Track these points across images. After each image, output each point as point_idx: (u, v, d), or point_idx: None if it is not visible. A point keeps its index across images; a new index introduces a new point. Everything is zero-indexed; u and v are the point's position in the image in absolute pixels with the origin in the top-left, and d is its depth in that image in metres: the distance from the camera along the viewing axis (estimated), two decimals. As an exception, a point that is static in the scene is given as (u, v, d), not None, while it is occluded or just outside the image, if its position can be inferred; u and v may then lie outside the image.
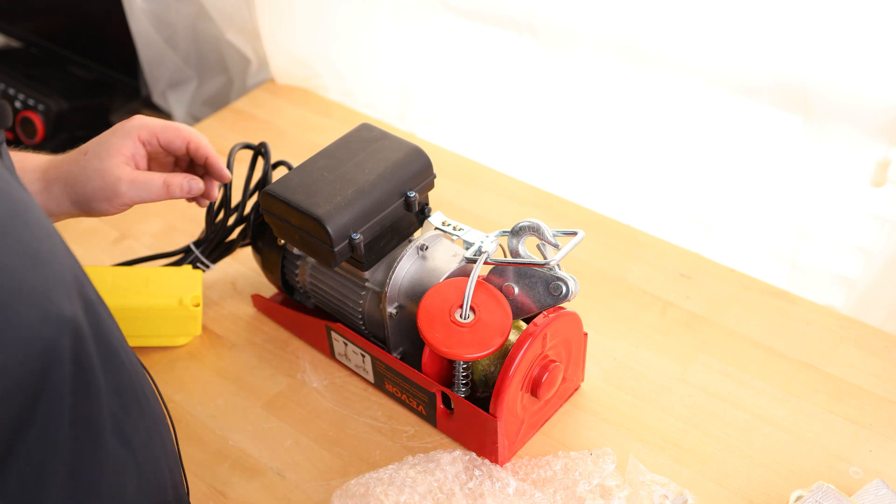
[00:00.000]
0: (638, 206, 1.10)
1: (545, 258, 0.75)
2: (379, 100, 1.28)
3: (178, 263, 0.96)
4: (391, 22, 1.20)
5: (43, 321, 0.44)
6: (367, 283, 0.83)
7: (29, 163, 0.78)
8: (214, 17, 1.32)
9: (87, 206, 0.77)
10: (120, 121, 1.45)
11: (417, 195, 0.81)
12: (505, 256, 0.79)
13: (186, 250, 0.96)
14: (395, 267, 0.80)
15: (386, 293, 0.80)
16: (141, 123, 0.80)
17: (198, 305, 0.91)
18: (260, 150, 0.95)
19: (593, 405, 0.85)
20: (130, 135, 0.78)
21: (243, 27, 1.33)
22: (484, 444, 0.79)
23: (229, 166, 0.93)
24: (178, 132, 0.81)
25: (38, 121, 1.30)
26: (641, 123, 1.05)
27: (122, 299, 0.89)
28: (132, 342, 0.91)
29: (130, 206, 0.79)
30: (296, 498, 0.79)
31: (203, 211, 0.95)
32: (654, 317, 0.94)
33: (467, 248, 0.80)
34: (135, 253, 1.05)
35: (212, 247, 0.96)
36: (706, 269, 0.99)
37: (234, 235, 0.97)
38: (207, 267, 0.97)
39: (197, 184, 0.82)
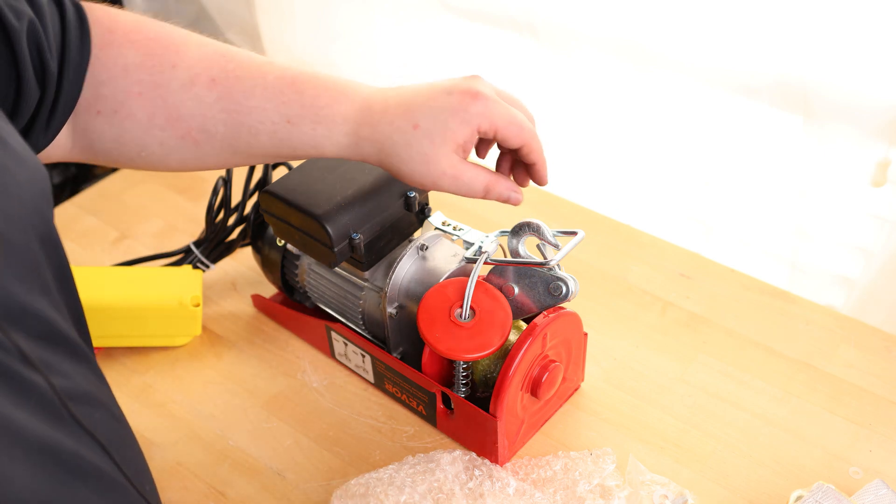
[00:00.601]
0: (638, 206, 1.10)
1: (545, 258, 0.75)
2: (379, 100, 1.28)
3: (178, 263, 0.96)
4: (391, 22, 1.20)
5: None
6: (367, 283, 0.83)
7: (339, 110, 0.68)
8: (214, 17, 1.33)
9: (395, 173, 0.69)
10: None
11: (417, 195, 0.81)
12: (505, 256, 0.79)
13: (186, 250, 0.96)
14: (395, 267, 0.80)
15: (386, 293, 0.80)
16: (485, 111, 0.67)
17: (198, 305, 0.91)
18: (260, 150, 0.95)
19: (593, 405, 0.85)
20: (471, 123, 0.66)
21: (243, 27, 1.33)
22: (484, 444, 0.79)
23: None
24: (520, 133, 0.68)
25: (38, 121, 1.30)
26: (641, 123, 1.05)
27: (122, 299, 0.89)
28: (132, 342, 0.92)
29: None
30: (296, 498, 0.79)
31: (203, 211, 0.95)
32: (654, 317, 0.94)
33: (467, 248, 0.80)
34: (135, 253, 1.05)
35: (212, 247, 0.96)
36: (706, 269, 0.99)
37: (234, 235, 0.97)
38: (207, 267, 0.97)
39: (517, 196, 0.72)
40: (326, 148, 0.69)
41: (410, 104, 0.67)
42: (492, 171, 0.71)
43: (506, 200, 0.71)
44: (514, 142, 0.69)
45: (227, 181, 0.93)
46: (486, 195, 0.70)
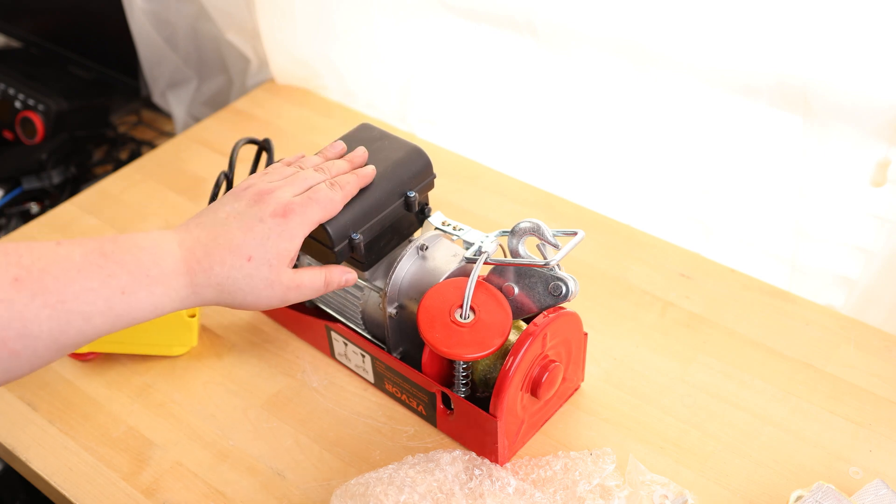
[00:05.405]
0: (638, 206, 1.10)
1: (545, 258, 0.75)
2: (379, 100, 1.28)
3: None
4: (391, 22, 1.19)
5: None
6: (367, 283, 0.83)
7: (169, 267, 0.65)
8: (214, 17, 1.32)
9: (238, 304, 0.70)
10: (119, 121, 1.45)
11: (417, 195, 0.81)
12: (505, 256, 0.79)
13: (186, 250, 0.96)
14: (395, 267, 0.80)
15: (386, 293, 0.80)
16: (302, 220, 0.71)
17: (193, 316, 0.90)
18: (264, 146, 0.95)
19: (593, 405, 0.85)
20: (295, 238, 0.71)
21: (243, 27, 1.33)
22: (484, 444, 0.79)
23: (232, 161, 0.93)
24: (333, 203, 0.74)
25: (38, 121, 1.30)
26: (641, 123, 1.05)
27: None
28: (128, 349, 0.91)
29: None
30: (296, 498, 0.79)
31: (205, 204, 0.95)
32: (654, 317, 0.94)
33: (467, 248, 0.80)
34: (135, 253, 1.05)
35: (212, 247, 0.96)
36: (706, 269, 0.99)
37: (234, 235, 0.97)
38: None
39: (351, 278, 0.76)
40: (167, 305, 0.66)
41: (232, 240, 0.68)
42: (322, 266, 0.75)
43: (345, 284, 0.76)
44: (339, 209, 0.74)
45: (228, 180, 0.93)
46: (326, 289, 0.74)
